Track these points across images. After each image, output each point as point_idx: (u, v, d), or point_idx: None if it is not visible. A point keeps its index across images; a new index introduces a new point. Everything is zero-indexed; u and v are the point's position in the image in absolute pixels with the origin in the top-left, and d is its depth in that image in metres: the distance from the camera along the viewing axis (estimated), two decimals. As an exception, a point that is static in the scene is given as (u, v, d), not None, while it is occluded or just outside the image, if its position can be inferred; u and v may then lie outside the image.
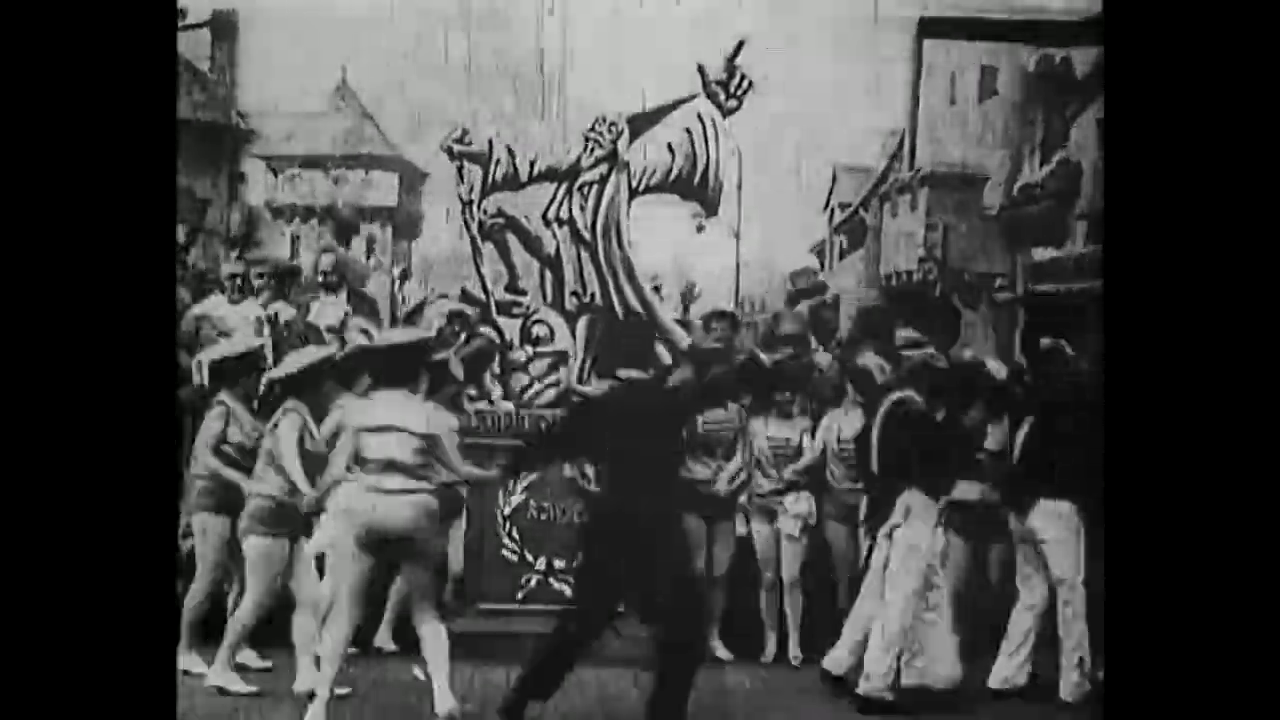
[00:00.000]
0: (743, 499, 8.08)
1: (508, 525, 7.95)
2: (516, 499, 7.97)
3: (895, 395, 7.12)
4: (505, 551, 7.93)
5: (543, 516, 7.97)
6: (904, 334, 8.01)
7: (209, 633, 7.22)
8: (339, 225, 10.12)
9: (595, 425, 6.63)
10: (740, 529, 8.10)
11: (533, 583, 7.93)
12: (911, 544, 6.93)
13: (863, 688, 6.90)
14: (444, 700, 6.27)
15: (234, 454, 7.19)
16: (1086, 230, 10.38)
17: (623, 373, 6.63)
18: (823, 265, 11.51)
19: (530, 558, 7.94)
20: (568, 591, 7.85)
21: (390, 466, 6.28)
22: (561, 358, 8.23)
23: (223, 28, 10.56)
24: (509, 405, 8.15)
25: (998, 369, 7.81)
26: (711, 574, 7.97)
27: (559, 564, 7.91)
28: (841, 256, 11.47)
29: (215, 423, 7.22)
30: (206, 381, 7.47)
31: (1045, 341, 7.72)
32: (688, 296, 9.31)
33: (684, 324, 8.61)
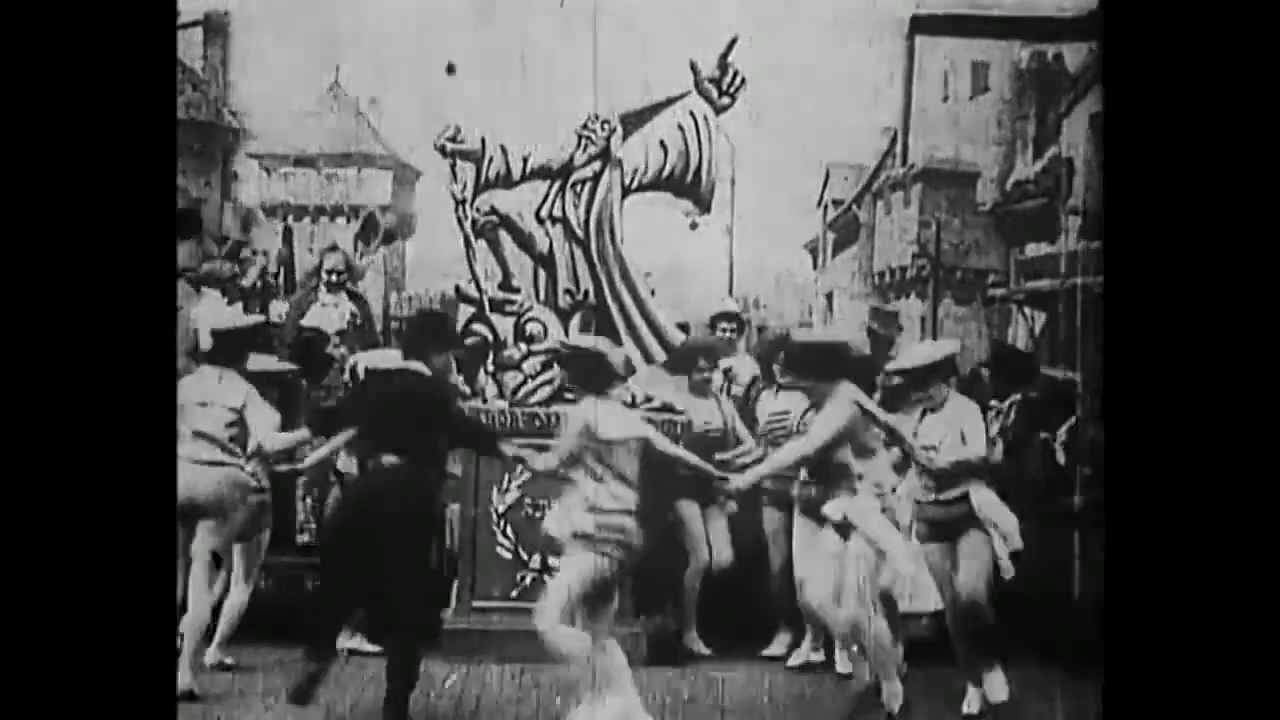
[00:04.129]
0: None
1: (502, 523, 7.95)
2: (511, 496, 7.97)
3: None
4: (499, 549, 7.94)
5: (537, 514, 7.97)
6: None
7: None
8: (378, 233, 10.08)
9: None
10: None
11: (527, 580, 7.93)
12: None
13: None
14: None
15: None
16: (1079, 226, 10.38)
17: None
18: (816, 263, 11.51)
19: (524, 555, 7.94)
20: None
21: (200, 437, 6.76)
22: (555, 355, 8.23)
23: (215, 27, 10.54)
24: (503, 403, 8.15)
25: None
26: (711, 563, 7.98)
27: (553, 562, 7.91)
28: (835, 254, 11.47)
29: None
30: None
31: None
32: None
33: (682, 326, 8.61)
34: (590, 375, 6.33)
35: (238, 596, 7.48)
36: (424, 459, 6.49)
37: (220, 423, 6.88)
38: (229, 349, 7.07)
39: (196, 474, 6.67)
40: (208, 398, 6.88)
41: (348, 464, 7.70)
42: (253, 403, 6.94)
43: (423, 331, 6.91)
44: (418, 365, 6.62)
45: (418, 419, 6.50)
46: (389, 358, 7.22)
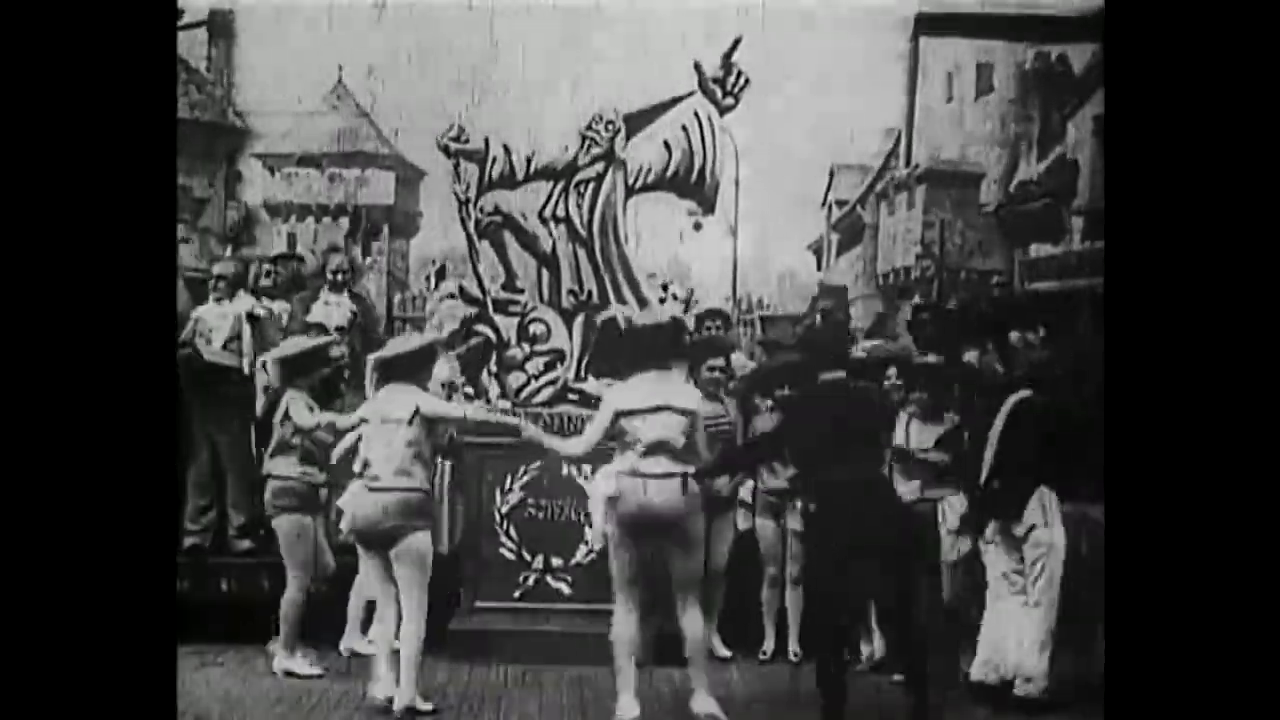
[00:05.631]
0: (744, 494, 8.07)
1: (505, 524, 7.94)
2: (514, 497, 7.97)
3: (1019, 395, 7.11)
4: (503, 550, 7.93)
5: (540, 515, 7.97)
6: (1014, 334, 8.00)
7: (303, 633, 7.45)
8: (360, 229, 10.11)
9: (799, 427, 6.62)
10: (743, 524, 8.09)
11: (530, 581, 7.93)
12: (1050, 544, 6.90)
13: (1021, 690, 6.88)
14: (704, 702, 6.27)
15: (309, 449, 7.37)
16: (1083, 227, 10.38)
17: (824, 375, 6.58)
18: (820, 263, 11.51)
19: (528, 556, 7.93)
20: (565, 589, 7.87)
21: (659, 448, 6.22)
22: (559, 356, 8.22)
23: (219, 27, 10.56)
24: (505, 403, 8.14)
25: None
26: (709, 569, 8.02)
27: (556, 562, 7.92)
28: (839, 254, 11.47)
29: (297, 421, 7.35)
30: (276, 381, 7.56)
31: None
32: (689, 302, 9.32)
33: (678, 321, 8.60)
34: None
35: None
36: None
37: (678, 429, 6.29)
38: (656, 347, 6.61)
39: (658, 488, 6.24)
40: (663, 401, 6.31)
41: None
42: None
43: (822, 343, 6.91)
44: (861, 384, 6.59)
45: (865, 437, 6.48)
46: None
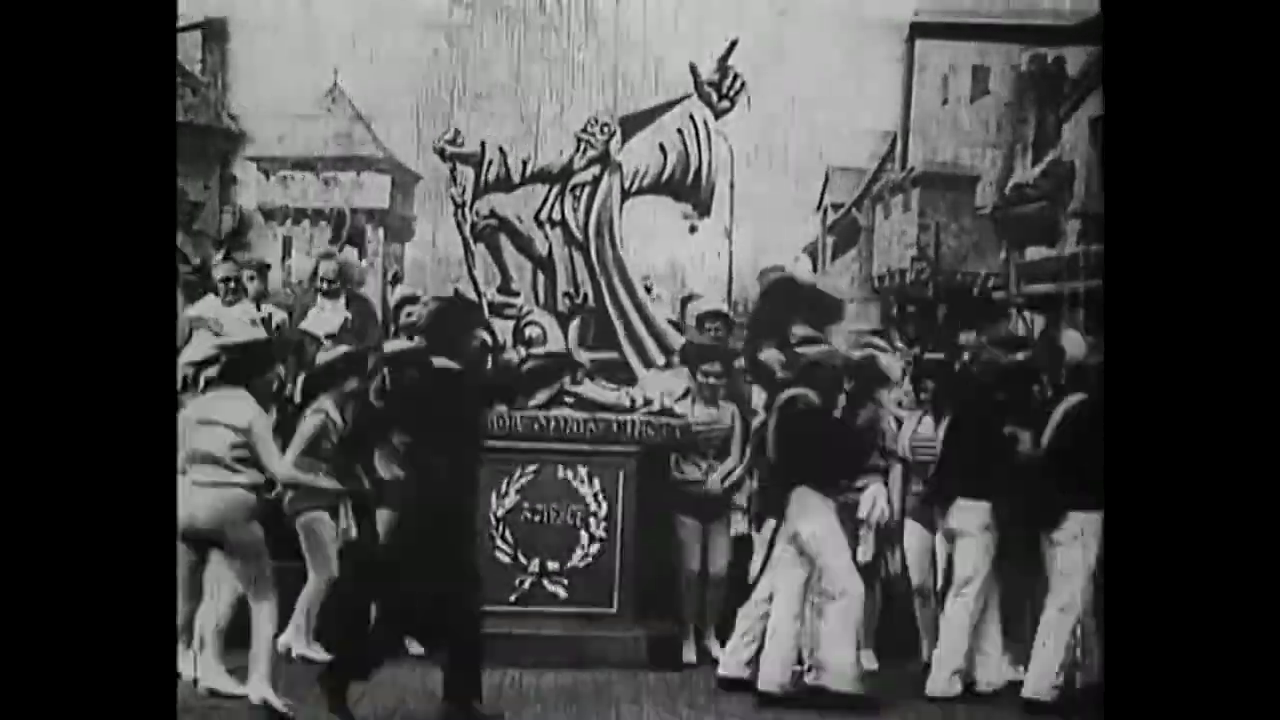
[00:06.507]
0: (740, 499, 8.06)
1: (501, 527, 7.93)
2: (510, 501, 7.95)
3: (788, 393, 7.12)
4: (498, 554, 7.92)
5: (536, 519, 7.96)
6: (800, 331, 7.96)
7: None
8: (341, 233, 10.11)
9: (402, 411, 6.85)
10: (739, 528, 8.06)
11: (526, 585, 7.92)
12: (802, 542, 6.94)
13: (762, 685, 6.92)
14: (259, 687, 6.38)
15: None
16: (1079, 230, 10.39)
17: (437, 362, 6.63)
18: (816, 266, 11.51)
19: (523, 560, 7.92)
20: (561, 593, 7.87)
21: (203, 458, 6.37)
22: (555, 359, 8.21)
23: (215, 31, 10.55)
24: (501, 407, 8.13)
25: (890, 365, 7.84)
26: (706, 573, 8.00)
27: (552, 566, 7.91)
28: (834, 257, 11.47)
29: (312, 428, 7.38)
30: (299, 397, 7.59)
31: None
32: (686, 302, 9.33)
33: (676, 325, 8.60)
34: None
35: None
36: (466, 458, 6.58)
37: (225, 443, 6.37)
38: (238, 366, 6.69)
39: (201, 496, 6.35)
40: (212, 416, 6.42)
41: (388, 469, 7.70)
42: (260, 423, 6.51)
43: (443, 322, 6.91)
44: (445, 361, 6.60)
45: (456, 419, 6.51)
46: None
